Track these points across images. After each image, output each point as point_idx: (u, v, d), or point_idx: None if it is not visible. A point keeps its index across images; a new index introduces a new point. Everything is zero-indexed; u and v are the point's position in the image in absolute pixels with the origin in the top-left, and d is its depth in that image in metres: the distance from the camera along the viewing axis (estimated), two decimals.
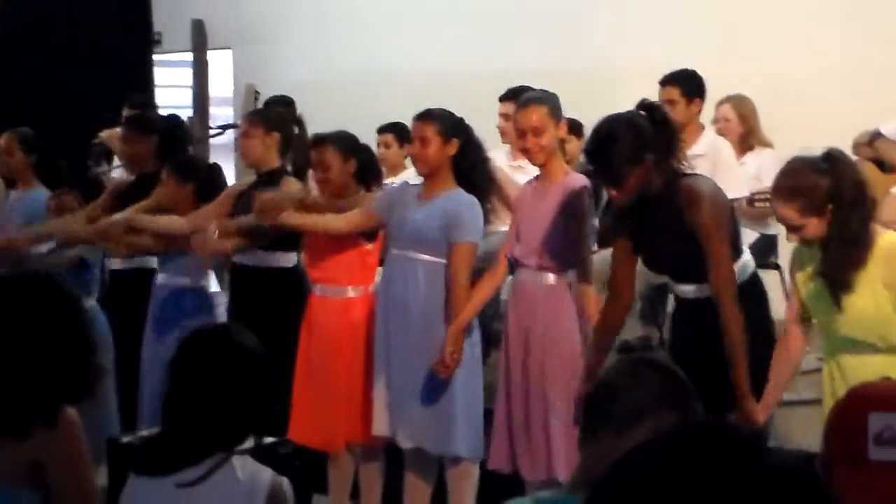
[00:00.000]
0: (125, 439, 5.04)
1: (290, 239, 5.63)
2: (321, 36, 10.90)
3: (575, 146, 6.55)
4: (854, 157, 5.27)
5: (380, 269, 5.40)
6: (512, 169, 6.32)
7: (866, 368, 3.76)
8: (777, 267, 6.39)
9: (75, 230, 6.18)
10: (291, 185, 5.67)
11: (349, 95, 10.10)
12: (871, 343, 3.94)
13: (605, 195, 5.56)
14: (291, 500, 2.89)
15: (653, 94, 5.70)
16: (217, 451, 2.85)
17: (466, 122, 5.11)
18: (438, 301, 4.99)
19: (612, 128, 4.27)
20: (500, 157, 6.56)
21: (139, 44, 11.07)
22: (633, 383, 2.32)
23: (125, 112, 7.44)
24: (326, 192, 5.40)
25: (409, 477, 5.26)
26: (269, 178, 5.72)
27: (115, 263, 6.35)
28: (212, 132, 9.31)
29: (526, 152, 4.97)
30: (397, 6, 10.35)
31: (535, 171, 5.06)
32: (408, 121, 5.38)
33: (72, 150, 7.57)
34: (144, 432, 4.70)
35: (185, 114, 11.26)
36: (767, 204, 4.93)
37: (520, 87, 6.13)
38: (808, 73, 8.09)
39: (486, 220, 5.17)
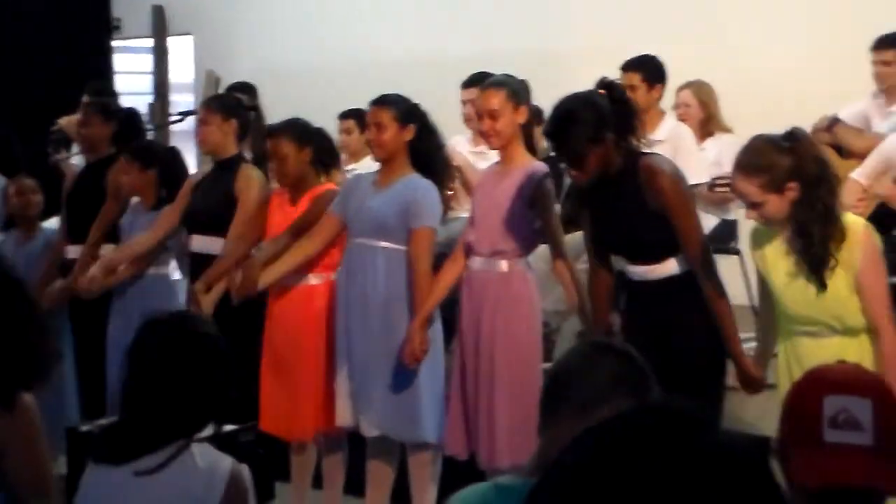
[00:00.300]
0: (84, 428, 5.03)
1: None
2: (282, 22, 10.86)
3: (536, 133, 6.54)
4: None
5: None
6: (474, 155, 6.32)
7: (822, 351, 3.78)
8: (738, 252, 6.43)
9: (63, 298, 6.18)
10: (249, 171, 5.64)
11: (310, 81, 10.08)
12: (828, 324, 3.96)
13: (566, 182, 5.58)
14: (251, 488, 2.87)
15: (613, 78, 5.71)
16: (176, 438, 2.83)
17: (423, 107, 5.09)
18: (399, 288, 4.98)
19: (571, 107, 4.27)
20: (461, 142, 6.56)
21: (98, 30, 10.99)
22: (590, 368, 2.32)
23: (84, 99, 7.39)
24: (286, 182, 5.38)
25: (372, 464, 5.25)
26: (227, 165, 5.69)
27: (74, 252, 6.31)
28: (172, 119, 9.25)
29: (483, 135, 4.96)
30: None
31: (496, 156, 5.05)
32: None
33: (31, 137, 7.52)
34: (104, 421, 4.68)
35: (146, 100, 11.21)
36: (728, 189, 4.93)
37: (481, 72, 6.13)
38: (770, 59, 8.12)
39: (445, 206, 5.16)
